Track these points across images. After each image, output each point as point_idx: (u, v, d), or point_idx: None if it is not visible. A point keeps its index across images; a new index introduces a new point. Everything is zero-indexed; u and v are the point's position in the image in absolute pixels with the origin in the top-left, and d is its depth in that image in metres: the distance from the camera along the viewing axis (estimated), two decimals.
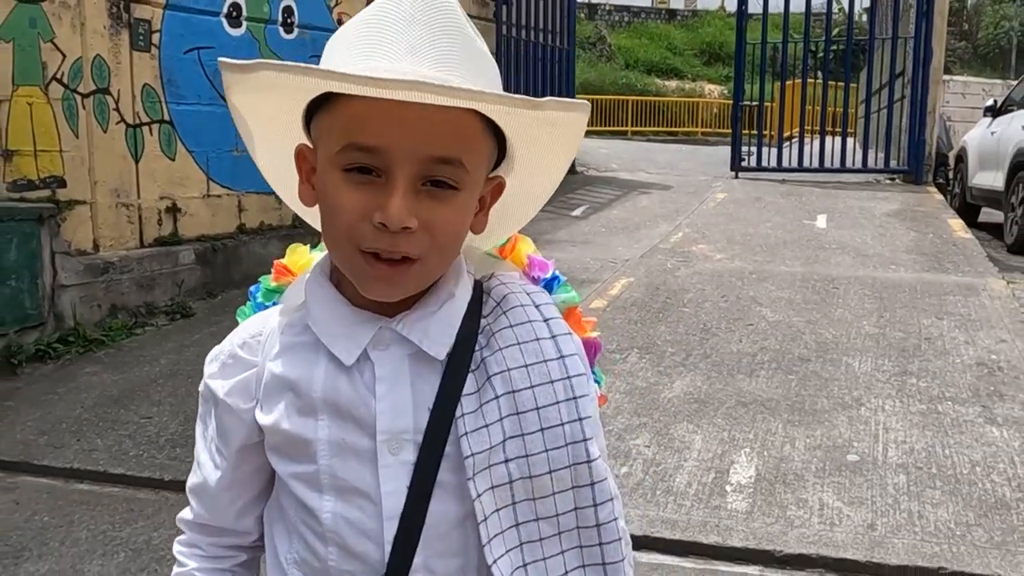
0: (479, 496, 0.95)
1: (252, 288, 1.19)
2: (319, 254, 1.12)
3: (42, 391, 4.46)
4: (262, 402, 1.00)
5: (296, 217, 6.01)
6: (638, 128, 25.12)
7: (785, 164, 10.67)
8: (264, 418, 0.99)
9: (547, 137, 0.96)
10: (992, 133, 10.23)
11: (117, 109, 5.51)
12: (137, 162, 5.66)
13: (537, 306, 1.02)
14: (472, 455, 0.94)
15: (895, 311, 5.24)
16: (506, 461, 0.95)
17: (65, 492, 3.52)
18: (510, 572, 0.95)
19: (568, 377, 0.98)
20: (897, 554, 2.82)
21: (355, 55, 0.89)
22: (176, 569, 1.10)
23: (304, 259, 1.15)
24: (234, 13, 6.28)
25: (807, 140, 10.86)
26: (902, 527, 2.98)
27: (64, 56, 5.18)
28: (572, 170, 11.14)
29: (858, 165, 10.65)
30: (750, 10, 10.94)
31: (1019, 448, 3.50)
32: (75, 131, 5.26)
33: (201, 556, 1.09)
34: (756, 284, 5.86)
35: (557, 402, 0.97)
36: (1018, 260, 8.40)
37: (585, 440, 0.96)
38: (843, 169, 10.55)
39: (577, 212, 8.75)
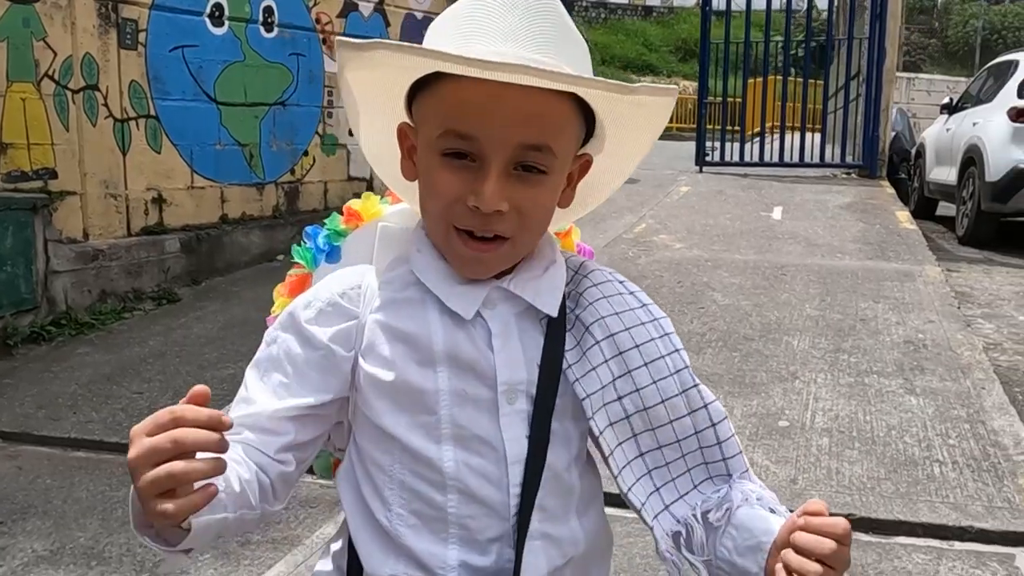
0: (601, 433, 1.02)
1: (311, 228, 1.22)
2: (387, 206, 1.21)
3: (38, 370, 4.74)
4: (364, 353, 1.03)
5: (277, 207, 6.34)
6: None
7: (747, 159, 11.08)
8: (374, 368, 1.02)
9: (636, 118, 1.01)
10: (947, 130, 10.63)
11: (106, 104, 5.79)
12: (125, 155, 5.94)
13: (610, 272, 1.12)
14: (588, 396, 1.02)
15: (836, 295, 5.62)
16: (619, 398, 1.02)
17: (64, 459, 3.80)
18: (645, 497, 1.02)
19: (655, 319, 1.07)
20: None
21: (457, 38, 0.95)
22: None
23: (375, 208, 1.20)
24: (216, 13, 6.56)
25: (772, 136, 11.26)
26: (821, 481, 3.35)
27: (55, 54, 5.45)
28: None
29: (816, 160, 11.06)
30: (720, 8, 11.31)
31: (932, 414, 3.88)
32: (66, 125, 5.54)
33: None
34: (711, 271, 6.24)
35: (652, 339, 1.05)
36: (967, 251, 8.82)
37: (688, 367, 1.06)
38: (802, 164, 10.95)
39: None
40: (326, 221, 1.20)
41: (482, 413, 1.00)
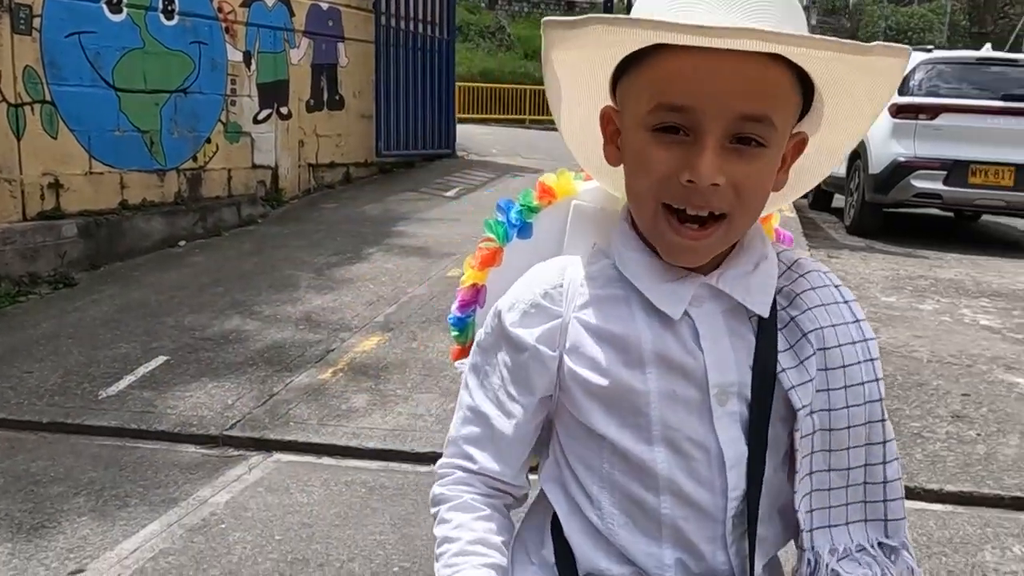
0: (799, 445, 0.98)
1: (505, 202, 1.20)
2: (581, 183, 1.18)
3: None
4: (569, 352, 1.01)
5: (179, 194, 6.45)
6: (536, 117, 25.56)
7: None
8: (581, 369, 1.00)
9: (859, 87, 0.94)
10: None
11: None
12: (19, 140, 5.97)
13: (826, 273, 1.06)
14: (803, 407, 0.97)
15: None
16: (811, 413, 0.98)
17: None
18: (808, 522, 1.00)
19: (865, 340, 1.02)
20: None
21: (673, 9, 0.89)
22: (445, 499, 1.06)
23: (569, 185, 1.18)
24: (115, 0, 6.61)
25: None
26: None
27: None
28: (452, 154, 11.68)
29: None
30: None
31: None
32: None
33: (475, 491, 1.05)
34: None
35: (859, 362, 1.00)
36: (852, 240, 9.28)
37: (881, 400, 1.01)
38: None
39: (451, 193, 9.32)
40: (519, 195, 1.18)
41: (692, 415, 0.98)
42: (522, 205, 1.18)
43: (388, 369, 4.50)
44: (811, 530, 1.00)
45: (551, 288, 1.03)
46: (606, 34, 0.91)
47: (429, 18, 10.99)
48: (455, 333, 1.25)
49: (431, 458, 3.59)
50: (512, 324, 1.03)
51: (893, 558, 1.01)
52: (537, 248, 1.15)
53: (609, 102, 1.01)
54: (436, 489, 1.07)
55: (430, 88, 10.96)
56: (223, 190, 7.80)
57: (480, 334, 1.08)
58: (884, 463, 1.01)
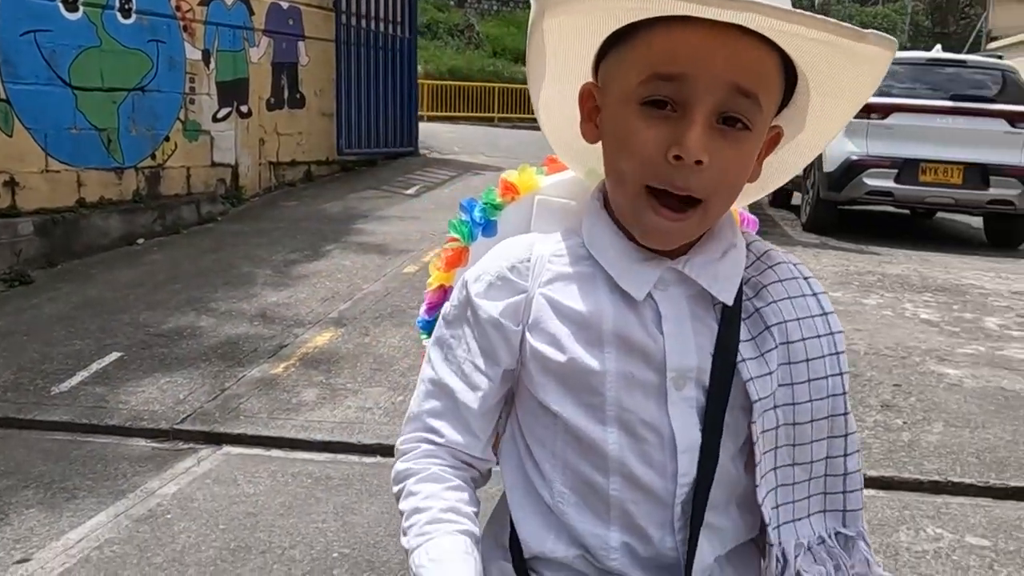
0: (758, 439, 0.98)
1: (467, 201, 1.19)
2: (543, 177, 1.17)
3: None
4: (531, 328, 1.00)
5: (137, 192, 6.49)
6: (505, 115, 25.60)
7: None
8: (541, 345, 0.99)
9: (845, 77, 0.94)
10: None
11: None
12: None
13: (795, 264, 1.06)
14: (759, 399, 0.97)
15: None
16: (775, 407, 0.98)
17: None
18: (775, 518, 0.99)
19: (832, 333, 1.02)
20: None
21: None
22: (412, 472, 1.03)
23: (532, 181, 1.17)
24: None
25: None
26: None
27: None
28: (414, 152, 11.75)
29: None
30: None
31: None
32: None
33: (443, 463, 1.03)
34: None
35: (823, 356, 1.01)
36: (807, 236, 9.44)
37: (844, 394, 1.02)
38: None
39: (411, 191, 9.41)
40: (482, 193, 1.18)
41: (649, 398, 0.97)
42: (485, 203, 1.17)
43: (339, 363, 4.58)
44: (778, 526, 0.99)
45: (518, 262, 1.03)
46: (606, 2, 0.90)
47: (391, 17, 11.04)
48: (424, 336, 1.22)
49: (377, 450, 3.70)
50: (477, 295, 1.02)
51: (850, 548, 1.02)
52: None
53: (591, 78, 1.01)
54: (400, 465, 1.04)
55: (392, 86, 11.03)
56: (182, 188, 7.83)
57: (446, 307, 1.07)
58: (845, 455, 1.02)
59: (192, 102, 7.88)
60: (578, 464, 0.99)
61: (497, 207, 1.17)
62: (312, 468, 3.56)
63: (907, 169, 8.68)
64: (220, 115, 8.25)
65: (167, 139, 7.65)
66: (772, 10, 0.84)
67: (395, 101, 11.11)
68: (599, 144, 1.00)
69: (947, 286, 6.83)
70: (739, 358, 0.98)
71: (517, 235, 1.11)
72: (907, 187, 8.77)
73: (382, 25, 10.86)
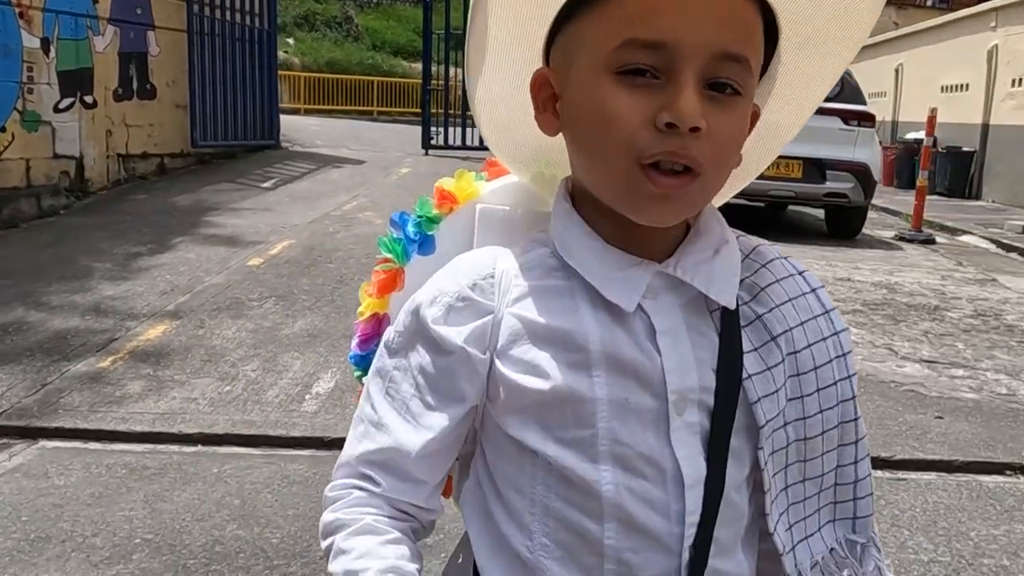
0: (765, 463, 0.87)
1: (399, 215, 1.04)
2: (484, 184, 1.04)
3: None
4: (500, 354, 0.86)
5: None
6: (384, 108, 25.40)
7: (469, 143, 11.76)
8: (515, 374, 0.85)
9: (829, 41, 0.87)
10: None
11: None
12: None
13: (788, 259, 0.96)
14: (767, 422, 0.86)
15: None
16: (784, 425, 0.88)
17: None
18: (789, 540, 0.90)
19: (836, 333, 0.93)
20: None
21: None
22: (342, 525, 0.87)
23: (471, 187, 1.03)
24: None
25: None
26: None
27: None
28: (276, 145, 11.64)
29: None
30: None
31: None
32: None
33: (379, 513, 0.88)
34: None
35: (830, 360, 0.91)
36: None
37: (854, 398, 0.93)
38: None
39: (268, 184, 9.33)
40: (415, 206, 1.03)
41: (647, 427, 0.84)
42: (419, 216, 1.02)
43: (170, 356, 4.56)
44: (792, 549, 0.89)
45: (481, 279, 0.88)
46: None
47: (247, 8, 10.90)
48: (357, 373, 1.06)
49: (199, 439, 3.72)
50: (435, 321, 0.87)
51: (863, 555, 0.94)
52: (442, 263, 0.95)
53: (541, 63, 0.88)
54: (327, 516, 0.88)
55: (251, 78, 10.89)
56: (21, 180, 7.57)
57: (388, 333, 0.92)
58: (855, 462, 0.93)
59: (30, 91, 7.63)
60: (564, 510, 0.84)
61: (433, 220, 1.01)
62: (129, 459, 3.55)
63: None
64: (62, 105, 8.01)
65: (3, 130, 7.38)
66: None
67: (254, 93, 10.98)
68: (552, 142, 0.89)
69: None
70: (744, 374, 0.86)
71: (457, 251, 0.97)
72: (752, 180, 9.18)
73: (238, 16, 10.70)
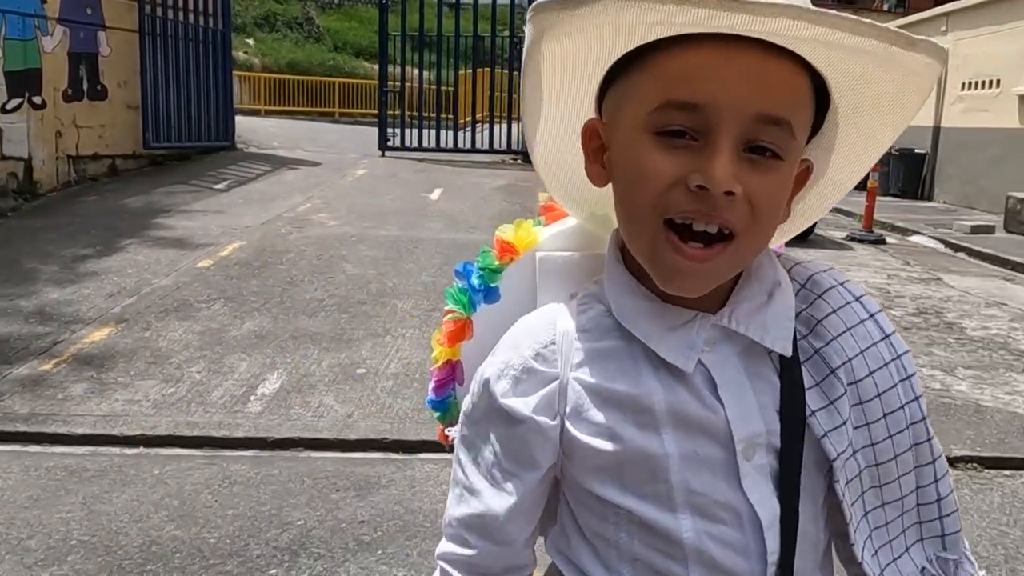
0: (844, 492, 0.89)
1: (462, 266, 1.07)
2: (542, 229, 1.06)
3: None
4: (570, 417, 0.89)
5: None
6: (346, 110, 25.24)
7: (425, 145, 11.78)
8: (587, 436, 0.88)
9: (885, 97, 0.84)
10: None
11: None
12: None
13: (844, 284, 0.95)
14: (838, 455, 0.88)
15: (453, 264, 6.27)
16: (854, 453, 0.90)
17: None
18: (876, 566, 0.92)
19: (898, 357, 0.93)
20: (358, 431, 3.75)
21: None
22: None
23: (530, 236, 1.05)
24: None
25: (482, 125, 11.97)
26: (371, 415, 3.90)
27: None
28: (231, 146, 11.57)
29: (485, 147, 11.96)
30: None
31: None
32: None
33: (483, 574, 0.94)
34: (352, 245, 6.73)
35: (894, 384, 0.92)
36: None
37: (924, 419, 0.93)
38: (473, 150, 11.84)
39: (221, 186, 9.28)
40: (478, 257, 1.06)
41: (717, 476, 0.86)
42: (483, 267, 1.04)
43: (114, 358, 4.54)
44: (881, 573, 0.91)
45: (542, 347, 0.90)
46: (617, 13, 0.77)
47: (201, 8, 10.82)
48: (437, 415, 1.12)
49: (141, 441, 3.71)
50: (504, 395, 0.90)
51: (955, 572, 0.95)
52: (509, 311, 1.00)
53: (593, 114, 0.89)
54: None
55: (205, 79, 10.82)
56: None
57: (467, 402, 0.95)
58: (936, 481, 0.94)
59: None
60: (649, 556, 0.88)
61: (496, 271, 1.04)
62: (69, 461, 3.54)
63: None
64: (10, 106, 7.91)
65: None
66: (817, 14, 0.73)
67: (208, 94, 10.90)
68: (604, 189, 0.89)
69: None
70: (808, 411, 0.88)
71: (522, 298, 1.01)
72: None
73: (191, 16, 10.62)
